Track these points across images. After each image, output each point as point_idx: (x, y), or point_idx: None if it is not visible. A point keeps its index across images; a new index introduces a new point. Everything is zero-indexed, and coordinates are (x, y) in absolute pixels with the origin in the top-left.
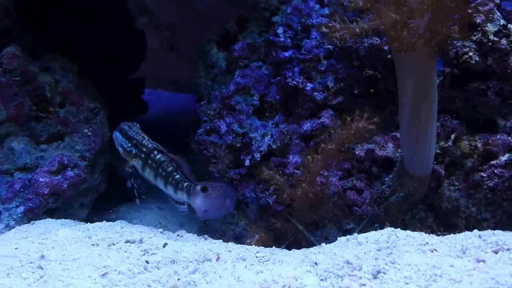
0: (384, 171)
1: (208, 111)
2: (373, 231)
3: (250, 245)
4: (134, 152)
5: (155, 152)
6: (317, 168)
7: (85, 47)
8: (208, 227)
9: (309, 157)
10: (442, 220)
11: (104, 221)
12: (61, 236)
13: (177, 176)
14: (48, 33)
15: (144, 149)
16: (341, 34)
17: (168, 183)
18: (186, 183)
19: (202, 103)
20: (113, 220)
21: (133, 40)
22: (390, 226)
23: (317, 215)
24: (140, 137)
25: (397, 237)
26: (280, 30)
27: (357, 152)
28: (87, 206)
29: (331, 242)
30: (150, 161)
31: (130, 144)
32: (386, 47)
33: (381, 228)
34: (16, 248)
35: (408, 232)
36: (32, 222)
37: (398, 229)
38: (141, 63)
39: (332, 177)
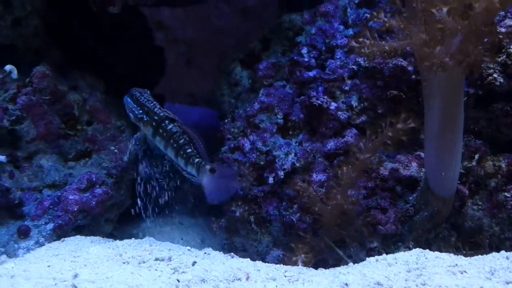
0: (408, 190)
1: (232, 129)
2: (402, 252)
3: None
4: (145, 119)
5: (167, 122)
6: (350, 180)
7: (110, 64)
8: (231, 244)
9: (344, 168)
10: (465, 239)
11: (132, 238)
12: (92, 254)
13: (189, 150)
14: (75, 51)
15: (155, 117)
16: (370, 50)
17: (179, 155)
18: (197, 160)
19: (226, 121)
20: (135, 235)
21: (153, 56)
22: (414, 245)
23: (345, 232)
24: (151, 104)
25: (426, 258)
26: (304, 50)
27: (381, 171)
28: (112, 221)
29: (355, 260)
30: (161, 130)
31: (141, 111)
32: (410, 68)
33: (405, 247)
34: (48, 266)
35: (437, 253)
36: (62, 239)
37: (427, 250)
38: (160, 78)
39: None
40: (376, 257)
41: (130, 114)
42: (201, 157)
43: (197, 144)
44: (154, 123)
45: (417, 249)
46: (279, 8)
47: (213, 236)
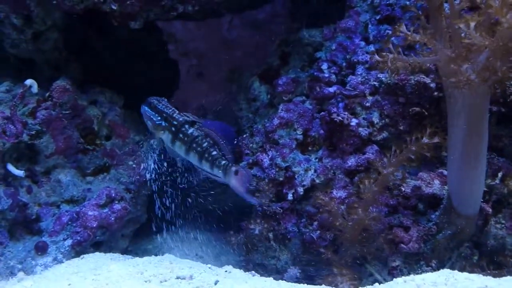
0: (430, 208)
1: (250, 145)
2: (430, 273)
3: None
4: (163, 125)
5: (187, 126)
6: (372, 195)
7: (127, 78)
8: (248, 261)
9: (365, 182)
10: (487, 258)
11: (152, 255)
12: (114, 273)
13: (214, 153)
14: (94, 65)
15: (174, 122)
16: (394, 65)
17: (204, 159)
18: (223, 162)
19: (245, 136)
20: (150, 250)
21: (168, 70)
22: (437, 264)
23: (366, 249)
24: (170, 110)
25: (456, 279)
26: (324, 66)
27: (403, 189)
28: (128, 236)
29: (376, 278)
30: (181, 135)
31: (159, 118)
32: (433, 85)
33: (427, 266)
34: (69, 285)
35: (466, 274)
36: (81, 256)
37: (456, 271)
38: (174, 92)
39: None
40: (404, 277)
41: (148, 122)
42: (226, 159)
43: (222, 146)
44: (173, 128)
45: (446, 269)
46: (289, 21)
47: (228, 252)
